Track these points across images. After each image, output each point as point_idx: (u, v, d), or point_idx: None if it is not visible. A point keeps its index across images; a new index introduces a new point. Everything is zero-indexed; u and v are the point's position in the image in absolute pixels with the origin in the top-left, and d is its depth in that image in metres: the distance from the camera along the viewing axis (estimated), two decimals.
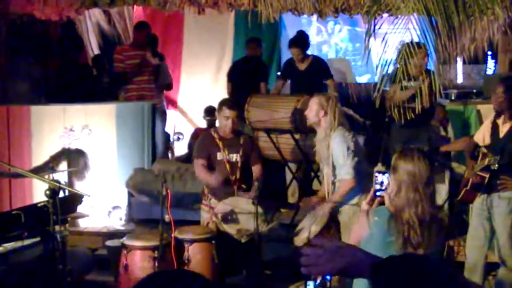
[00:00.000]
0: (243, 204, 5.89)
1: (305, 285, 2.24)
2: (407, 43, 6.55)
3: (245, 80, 9.18)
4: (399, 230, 3.56)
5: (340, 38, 12.61)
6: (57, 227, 4.39)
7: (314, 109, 5.66)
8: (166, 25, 10.68)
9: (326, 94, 5.79)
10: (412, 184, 3.57)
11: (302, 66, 8.40)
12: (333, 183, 5.66)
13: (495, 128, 5.83)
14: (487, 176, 5.66)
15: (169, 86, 9.85)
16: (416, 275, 1.71)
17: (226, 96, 10.11)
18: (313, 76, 8.29)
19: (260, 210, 5.81)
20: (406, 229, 3.54)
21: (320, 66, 8.49)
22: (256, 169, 6.30)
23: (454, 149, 7.13)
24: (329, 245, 2.03)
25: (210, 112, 9.59)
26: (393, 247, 3.55)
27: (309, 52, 8.82)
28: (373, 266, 1.89)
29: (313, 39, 12.36)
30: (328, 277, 2.18)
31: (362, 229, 3.68)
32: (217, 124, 6.60)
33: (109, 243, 6.54)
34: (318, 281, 2.17)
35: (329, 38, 12.71)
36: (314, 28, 12.33)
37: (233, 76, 9.52)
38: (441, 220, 3.87)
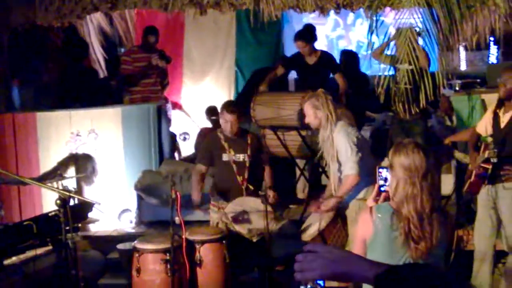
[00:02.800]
0: (252, 204, 5.92)
1: None
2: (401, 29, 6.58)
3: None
4: (400, 225, 3.57)
5: (362, 33, 11.69)
6: (68, 235, 4.41)
7: (311, 113, 5.67)
8: (167, 25, 10.69)
9: (313, 94, 5.75)
10: (409, 178, 3.56)
11: (311, 61, 8.30)
12: (340, 179, 5.66)
13: (496, 118, 5.81)
14: (490, 167, 5.66)
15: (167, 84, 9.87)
16: (418, 285, 1.71)
17: (229, 97, 10.16)
18: (321, 70, 8.23)
19: (269, 208, 5.85)
20: (406, 224, 3.55)
21: (328, 61, 8.41)
22: (267, 170, 6.36)
23: (459, 140, 7.13)
24: (323, 250, 2.04)
25: (212, 112, 9.62)
26: (397, 243, 3.58)
27: (324, 48, 8.69)
28: (376, 278, 1.90)
29: (329, 33, 12.25)
30: (321, 283, 2.18)
31: (366, 228, 3.67)
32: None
33: (120, 246, 6.57)
34: (309, 286, 2.16)
35: (347, 32, 12.31)
36: (331, 22, 12.05)
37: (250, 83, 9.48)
38: (445, 211, 3.89)
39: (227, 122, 6.17)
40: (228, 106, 6.32)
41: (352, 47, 11.73)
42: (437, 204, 3.71)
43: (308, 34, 8.46)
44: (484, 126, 5.96)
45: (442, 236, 3.62)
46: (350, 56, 9.43)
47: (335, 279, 2.02)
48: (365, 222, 3.69)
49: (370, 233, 3.64)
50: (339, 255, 2.02)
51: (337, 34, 12.33)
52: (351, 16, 11.99)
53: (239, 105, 6.66)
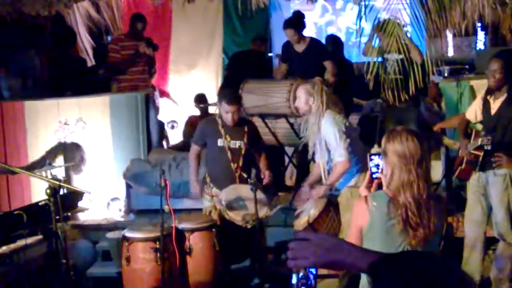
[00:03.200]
0: (245, 191, 5.90)
1: (290, 278, 2.22)
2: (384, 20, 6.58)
3: (245, 72, 9.14)
4: (397, 213, 3.54)
5: (351, 19, 11.49)
6: (58, 224, 4.40)
7: (303, 98, 5.66)
8: (154, 13, 10.65)
9: (311, 80, 5.74)
10: (404, 165, 3.54)
11: (300, 48, 8.25)
12: (327, 166, 5.66)
13: (486, 105, 5.80)
14: (481, 154, 5.66)
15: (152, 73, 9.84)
16: (414, 273, 1.71)
17: (216, 85, 10.14)
18: (311, 58, 8.18)
19: (262, 195, 5.85)
20: (404, 211, 3.53)
21: (318, 48, 8.35)
22: (262, 158, 6.34)
23: (448, 126, 7.16)
24: (315, 237, 2.04)
25: (200, 99, 9.62)
26: (395, 231, 3.56)
27: (313, 35, 8.69)
28: (370, 266, 1.89)
29: (317, 20, 12.20)
30: (313, 270, 2.18)
31: (362, 217, 3.64)
32: (210, 111, 6.61)
33: (110, 235, 6.56)
34: (301, 274, 2.16)
35: (336, 18, 12.23)
36: (319, 8, 11.97)
37: (233, 67, 9.54)
38: (440, 198, 3.87)
39: (228, 113, 6.06)
40: (227, 96, 6.14)
41: (342, 34, 11.68)
42: (432, 190, 3.70)
43: (297, 21, 8.40)
44: (473, 113, 5.96)
45: (439, 223, 3.63)
46: (334, 42, 9.40)
47: (327, 267, 2.01)
48: (360, 211, 3.66)
49: (366, 222, 3.62)
50: (332, 243, 2.01)
51: (326, 20, 12.28)
52: (340, 1, 11.95)
53: (237, 94, 6.60)
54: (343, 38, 10.88)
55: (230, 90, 6.58)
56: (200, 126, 6.41)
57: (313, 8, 11.56)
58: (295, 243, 2.02)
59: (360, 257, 1.96)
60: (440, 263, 1.71)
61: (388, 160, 3.61)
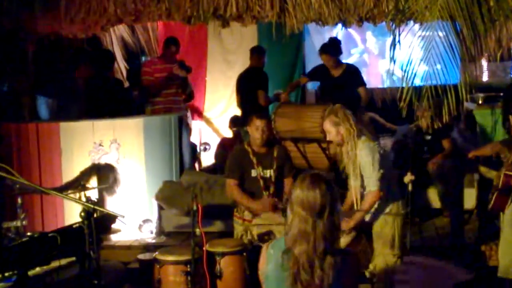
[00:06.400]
0: (277, 219, 5.91)
1: None
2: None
3: (248, 90, 9.28)
4: (289, 266, 3.26)
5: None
6: (92, 247, 4.44)
7: (332, 130, 5.58)
8: (190, 36, 10.78)
9: (331, 109, 5.66)
10: (303, 214, 3.25)
11: (336, 73, 8.33)
12: (362, 194, 5.63)
13: None
14: None
15: (190, 96, 9.92)
16: None
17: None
18: (346, 84, 8.24)
19: None
20: (296, 266, 3.24)
21: (353, 74, 8.42)
22: (288, 182, 6.32)
23: (483, 154, 7.08)
24: (422, 261, 2.08)
25: (236, 122, 9.66)
26: (285, 284, 3.28)
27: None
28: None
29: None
30: None
31: (262, 262, 3.45)
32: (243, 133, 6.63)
33: (141, 256, 6.59)
34: None
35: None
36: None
37: (238, 87, 9.65)
38: (349, 255, 3.47)
39: (258, 128, 6.13)
40: (257, 112, 6.34)
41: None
42: (333, 245, 3.31)
43: (332, 47, 8.46)
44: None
45: (337, 284, 3.27)
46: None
47: None
48: (262, 257, 3.46)
49: (264, 271, 3.42)
50: (437, 266, 2.06)
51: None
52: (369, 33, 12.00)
53: (267, 113, 6.66)
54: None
55: (259, 108, 6.61)
56: (232, 158, 6.37)
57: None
58: (404, 267, 2.08)
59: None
60: None
61: (291, 206, 3.34)
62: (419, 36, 6.40)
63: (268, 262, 3.38)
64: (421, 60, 6.56)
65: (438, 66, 6.91)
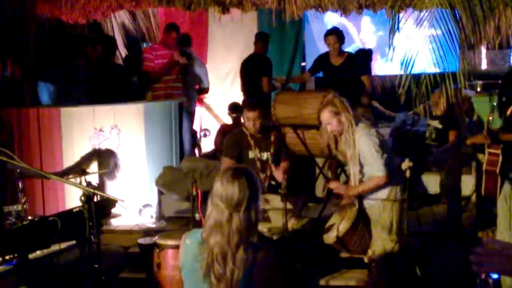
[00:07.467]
0: (273, 202, 5.96)
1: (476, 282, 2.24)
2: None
3: (252, 77, 9.33)
4: (204, 257, 3.25)
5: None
6: (92, 231, 4.49)
7: (333, 121, 5.53)
8: (190, 23, 10.80)
9: (327, 100, 5.66)
10: (220, 206, 3.25)
11: (337, 62, 8.37)
12: (360, 180, 5.62)
13: None
14: (500, 159, 5.57)
15: (206, 91, 10.01)
16: None
17: None
18: (346, 72, 8.27)
19: (290, 206, 5.88)
20: (210, 257, 3.23)
21: (355, 63, 8.46)
22: (284, 166, 6.36)
23: (479, 141, 7.12)
24: (504, 246, 2.09)
25: (235, 108, 9.70)
26: (199, 275, 3.26)
27: None
28: None
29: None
30: (495, 276, 2.20)
31: (179, 253, 3.44)
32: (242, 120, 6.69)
33: (141, 241, 6.62)
34: (483, 277, 2.20)
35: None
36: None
37: (242, 73, 9.69)
38: (260, 250, 3.33)
39: (249, 120, 6.23)
40: (248, 104, 6.42)
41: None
42: (248, 240, 3.26)
43: (339, 31, 8.51)
44: None
45: (248, 276, 3.22)
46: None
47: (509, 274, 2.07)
48: (180, 246, 3.45)
49: (181, 259, 3.42)
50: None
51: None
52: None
53: (261, 102, 6.70)
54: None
55: (252, 99, 6.66)
56: (231, 139, 6.45)
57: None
58: (482, 248, 2.08)
59: None
60: None
61: (211, 198, 3.34)
62: (418, 23, 6.44)
63: (184, 253, 3.38)
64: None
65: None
